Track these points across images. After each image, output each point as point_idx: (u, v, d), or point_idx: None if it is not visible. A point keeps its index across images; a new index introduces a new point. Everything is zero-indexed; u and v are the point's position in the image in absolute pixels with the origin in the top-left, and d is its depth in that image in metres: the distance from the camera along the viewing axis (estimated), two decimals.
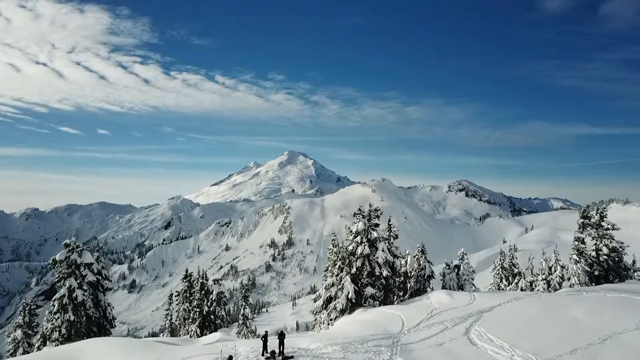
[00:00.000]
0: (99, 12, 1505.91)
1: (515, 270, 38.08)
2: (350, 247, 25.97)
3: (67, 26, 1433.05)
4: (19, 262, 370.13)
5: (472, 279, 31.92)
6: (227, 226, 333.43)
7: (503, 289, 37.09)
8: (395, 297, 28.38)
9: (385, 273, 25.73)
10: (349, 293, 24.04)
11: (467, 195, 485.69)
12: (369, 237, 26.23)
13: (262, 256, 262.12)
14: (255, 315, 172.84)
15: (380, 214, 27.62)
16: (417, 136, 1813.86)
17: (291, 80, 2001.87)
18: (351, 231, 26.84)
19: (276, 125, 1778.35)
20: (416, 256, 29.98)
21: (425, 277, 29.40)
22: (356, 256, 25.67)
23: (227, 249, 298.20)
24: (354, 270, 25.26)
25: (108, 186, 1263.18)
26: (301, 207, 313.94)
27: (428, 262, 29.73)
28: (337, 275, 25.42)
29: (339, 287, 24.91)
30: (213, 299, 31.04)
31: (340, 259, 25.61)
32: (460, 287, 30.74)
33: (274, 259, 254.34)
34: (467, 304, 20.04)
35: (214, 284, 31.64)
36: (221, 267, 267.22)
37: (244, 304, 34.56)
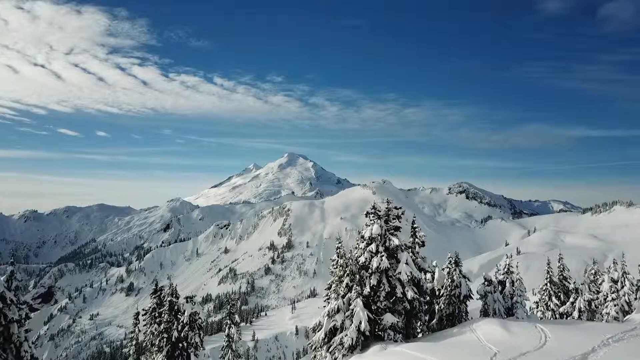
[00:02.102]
0: (96, 14, 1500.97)
1: (570, 286, 30.23)
2: (361, 259, 19.31)
3: (65, 28, 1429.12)
4: (17, 264, 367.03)
5: (526, 301, 24.59)
6: (226, 228, 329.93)
7: (554, 310, 29.82)
8: (420, 323, 21.34)
9: (410, 294, 18.87)
10: (360, 323, 17.51)
11: (467, 197, 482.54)
12: (387, 244, 19.49)
13: (261, 259, 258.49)
14: (254, 319, 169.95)
15: (402, 213, 20.58)
16: (417, 138, 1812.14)
17: (290, 82, 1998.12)
18: (362, 237, 19.95)
19: (275, 127, 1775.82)
20: (447, 269, 23.14)
21: (461, 297, 22.42)
22: (370, 271, 19.13)
23: (226, 251, 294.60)
24: (367, 290, 18.74)
25: (107, 188, 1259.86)
26: (301, 209, 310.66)
27: (464, 277, 22.79)
28: (343, 297, 18.84)
29: (347, 314, 18.39)
30: (185, 321, 24.08)
31: (348, 275, 19.08)
32: (508, 312, 23.62)
33: (273, 262, 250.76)
34: (538, 346, 13.43)
35: (187, 302, 24.67)
36: (220, 269, 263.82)
37: (229, 322, 27.88)
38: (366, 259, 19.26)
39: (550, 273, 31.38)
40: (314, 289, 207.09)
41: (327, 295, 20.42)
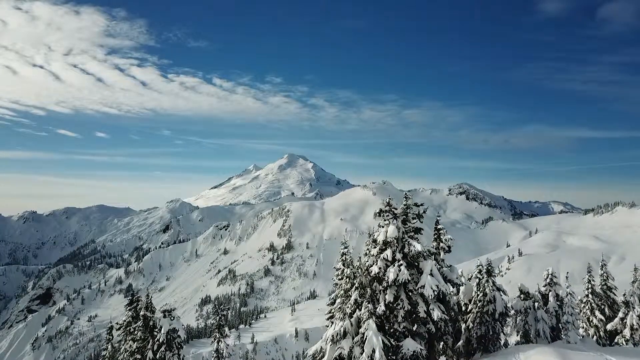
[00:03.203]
0: (95, 14, 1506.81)
1: (620, 299, 24.81)
2: (374, 268, 15.34)
3: (63, 28, 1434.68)
4: (15, 265, 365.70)
5: (576, 320, 20.21)
6: (226, 229, 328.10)
7: (597, 326, 25.02)
8: (444, 345, 17.08)
9: (436, 314, 14.90)
10: (374, 351, 13.64)
11: (467, 198, 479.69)
12: (406, 250, 15.56)
13: (260, 260, 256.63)
14: (253, 321, 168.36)
15: (424, 211, 16.97)
16: (416, 139, 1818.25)
17: (289, 83, 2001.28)
18: (374, 240, 16.01)
19: (275, 129, 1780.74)
20: (477, 279, 19.08)
21: (497, 315, 18.32)
22: (385, 284, 15.16)
23: (226, 252, 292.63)
24: (381, 308, 14.87)
25: (106, 189, 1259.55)
26: (301, 210, 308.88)
27: (498, 289, 18.63)
28: (351, 317, 14.96)
29: (356, 339, 14.49)
30: (161, 340, 20.54)
31: (357, 288, 15.30)
32: (554, 334, 19.25)
33: (272, 263, 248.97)
34: None
35: (164, 317, 21.14)
36: (219, 271, 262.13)
37: (217, 335, 24.04)
38: (380, 268, 15.26)
39: (592, 282, 25.45)
40: (313, 291, 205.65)
41: (330, 313, 16.26)
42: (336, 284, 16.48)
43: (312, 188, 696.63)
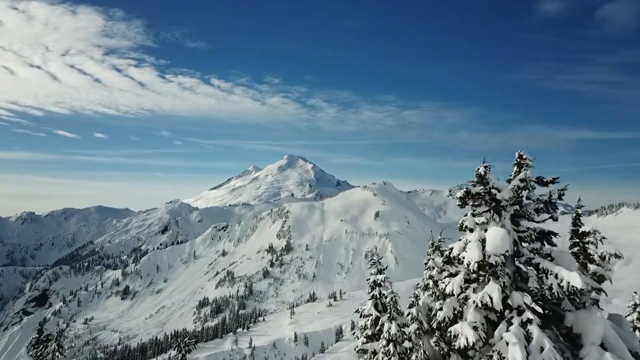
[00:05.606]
0: (92, 14, 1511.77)
1: None
2: (462, 332, 6.61)
3: (60, 28, 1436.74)
4: (13, 266, 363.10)
5: None
6: (224, 231, 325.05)
7: None
8: None
9: None
10: None
11: None
12: (533, 286, 6.83)
13: (259, 262, 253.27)
14: (251, 324, 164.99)
15: (563, 192, 8.78)
16: (416, 140, 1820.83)
17: (288, 84, 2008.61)
18: (450, 257, 7.96)
19: (274, 129, 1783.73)
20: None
21: None
22: None
23: (224, 254, 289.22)
24: None
25: (105, 190, 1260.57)
26: (300, 211, 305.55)
27: None
28: None
29: None
30: None
31: None
32: None
33: (271, 265, 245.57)
34: None
35: None
36: (217, 272, 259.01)
37: None
38: (476, 329, 6.75)
39: None
40: (313, 293, 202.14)
41: None
42: (363, 351, 7.68)
43: (312, 189, 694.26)
